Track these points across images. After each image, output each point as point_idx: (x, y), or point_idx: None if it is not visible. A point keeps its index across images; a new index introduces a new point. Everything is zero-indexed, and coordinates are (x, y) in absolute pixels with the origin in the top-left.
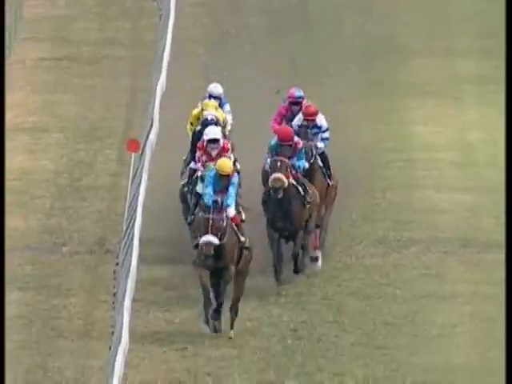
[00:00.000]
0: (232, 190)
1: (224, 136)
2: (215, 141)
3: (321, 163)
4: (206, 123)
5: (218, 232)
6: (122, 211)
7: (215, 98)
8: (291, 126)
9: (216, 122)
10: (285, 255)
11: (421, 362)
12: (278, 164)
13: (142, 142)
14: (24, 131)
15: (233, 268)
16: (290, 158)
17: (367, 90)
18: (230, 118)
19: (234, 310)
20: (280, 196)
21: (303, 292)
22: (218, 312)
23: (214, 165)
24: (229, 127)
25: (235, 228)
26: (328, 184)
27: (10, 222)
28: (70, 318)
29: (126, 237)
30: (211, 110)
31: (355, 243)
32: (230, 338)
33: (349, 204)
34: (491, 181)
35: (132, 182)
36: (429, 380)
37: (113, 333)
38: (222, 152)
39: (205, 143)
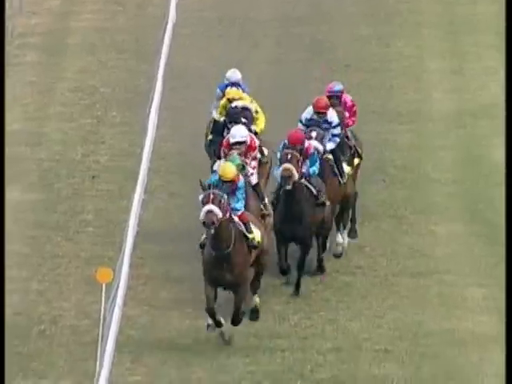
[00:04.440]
0: (240, 195)
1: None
2: (240, 143)
3: (332, 160)
4: (230, 112)
5: (220, 205)
6: None
7: (233, 84)
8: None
9: (242, 111)
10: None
11: None
12: (289, 156)
13: None
14: None
15: (244, 285)
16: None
17: None
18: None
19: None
20: (289, 187)
21: None
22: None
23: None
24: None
25: (243, 228)
26: (339, 182)
27: None
28: None
29: None
30: (236, 96)
31: None
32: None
33: None
34: None
35: None
36: None
37: None
38: (249, 150)
39: (230, 142)
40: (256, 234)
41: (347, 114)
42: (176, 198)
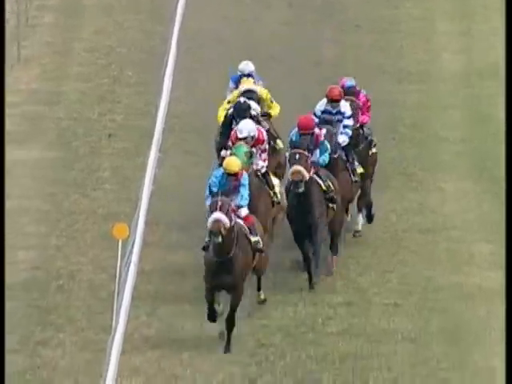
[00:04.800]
0: (244, 192)
1: (260, 120)
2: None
3: (344, 157)
4: (237, 108)
5: (228, 213)
6: None
7: (246, 76)
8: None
9: (249, 107)
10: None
11: None
12: (297, 156)
13: None
14: None
15: (242, 288)
16: (311, 150)
17: None
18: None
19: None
20: (301, 190)
21: None
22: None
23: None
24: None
25: (247, 231)
26: (352, 180)
27: None
28: None
29: None
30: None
31: None
32: (264, 301)
33: None
34: None
35: None
36: None
37: None
38: (257, 143)
39: (238, 137)
40: (260, 238)
41: (361, 111)
42: (190, 155)
